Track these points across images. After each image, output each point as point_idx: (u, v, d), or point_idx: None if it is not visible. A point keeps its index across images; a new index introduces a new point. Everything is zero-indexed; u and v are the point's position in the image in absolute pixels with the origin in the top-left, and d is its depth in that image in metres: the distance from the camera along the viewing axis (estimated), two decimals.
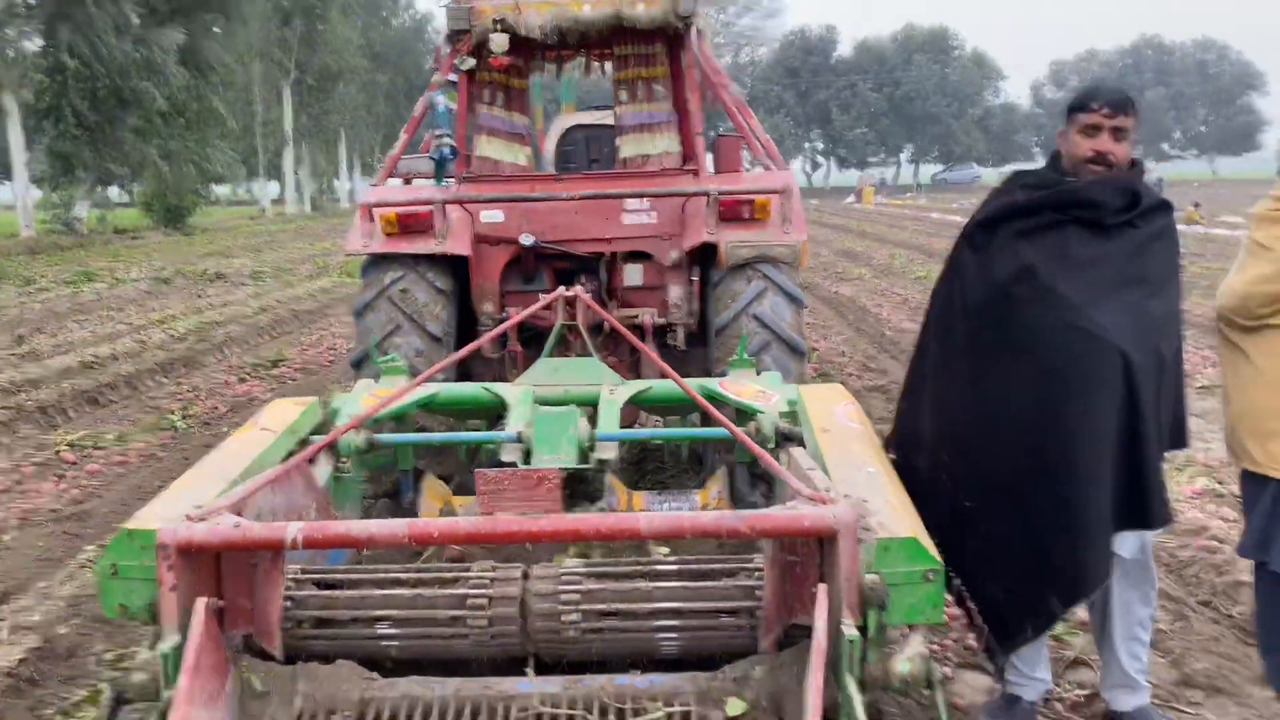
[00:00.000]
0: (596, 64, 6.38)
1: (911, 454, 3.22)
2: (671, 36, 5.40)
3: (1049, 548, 2.81)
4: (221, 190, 50.07)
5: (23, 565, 4.64)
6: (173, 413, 7.57)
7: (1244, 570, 4.15)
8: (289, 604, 2.67)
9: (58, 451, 6.50)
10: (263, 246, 26.89)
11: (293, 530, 2.35)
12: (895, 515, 2.61)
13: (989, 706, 3.22)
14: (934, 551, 2.51)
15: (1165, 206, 2.91)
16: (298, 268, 19.86)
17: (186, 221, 33.99)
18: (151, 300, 14.87)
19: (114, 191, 38.71)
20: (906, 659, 2.46)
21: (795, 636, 2.59)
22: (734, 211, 4.99)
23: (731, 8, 74.13)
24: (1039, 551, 2.83)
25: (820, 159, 79.32)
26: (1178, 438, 2.97)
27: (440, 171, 5.40)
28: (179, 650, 2.30)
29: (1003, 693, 3.23)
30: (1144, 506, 2.78)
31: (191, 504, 2.57)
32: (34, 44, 27.31)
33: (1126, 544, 2.87)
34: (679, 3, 5.08)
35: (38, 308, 13.90)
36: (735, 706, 2.52)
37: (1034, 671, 3.15)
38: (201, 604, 2.34)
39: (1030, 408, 2.80)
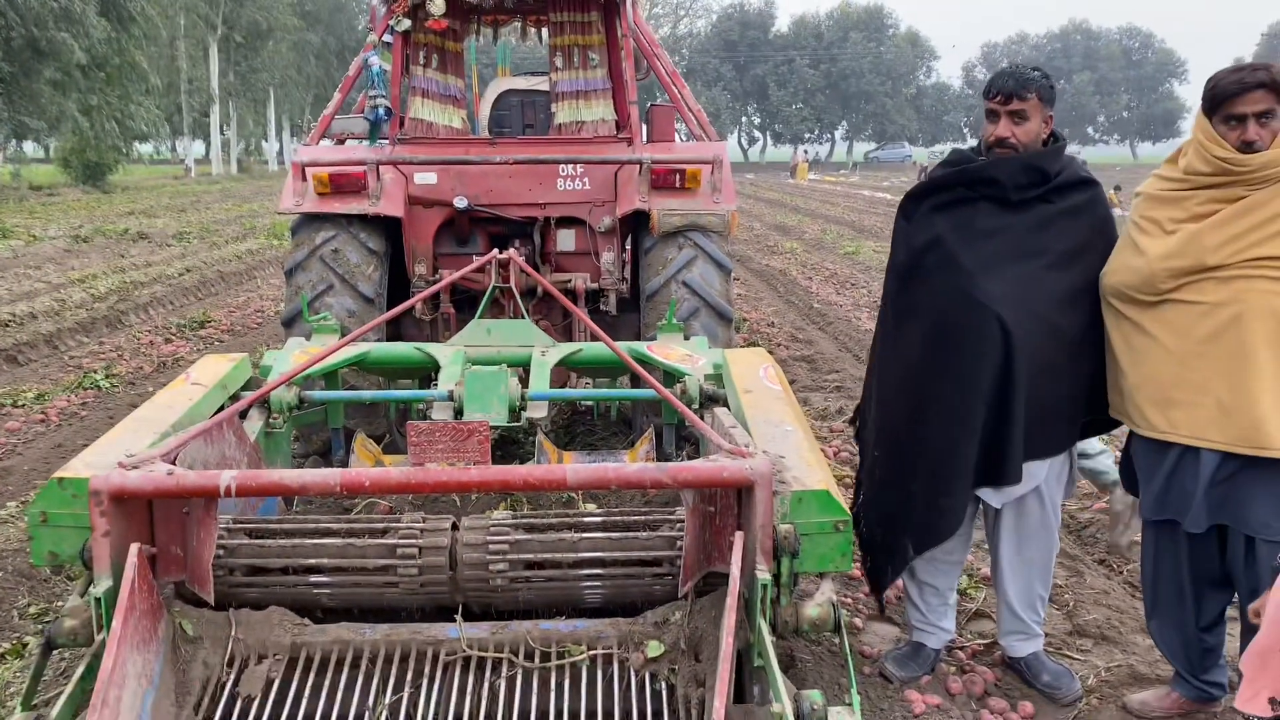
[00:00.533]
0: (533, 29, 6.40)
1: (864, 415, 3.45)
2: (607, 5, 5.45)
3: (912, 494, 3.11)
4: (144, 149, 48.57)
5: None
6: (95, 372, 7.44)
7: (1138, 531, 4.42)
8: (221, 552, 2.72)
9: None
10: (187, 207, 26.21)
11: (226, 478, 2.41)
12: (809, 470, 2.76)
13: (893, 654, 3.40)
14: (844, 503, 2.67)
15: (1085, 183, 3.06)
16: (224, 229, 19.44)
17: (107, 179, 32.90)
18: (71, 259, 14.45)
19: (30, 147, 37.28)
20: (816, 605, 2.62)
21: (713, 584, 2.73)
22: (666, 180, 5.09)
23: None
24: (904, 497, 3.13)
25: (757, 134, 79.69)
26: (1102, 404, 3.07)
27: (374, 132, 5.39)
28: (112, 595, 2.35)
29: (908, 641, 3.42)
30: (1001, 464, 2.99)
31: (123, 454, 2.60)
32: None
33: (994, 498, 3.08)
34: None
35: None
36: (655, 649, 2.65)
37: (939, 621, 3.35)
38: (135, 549, 2.38)
39: (918, 364, 3.08)
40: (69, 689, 2.28)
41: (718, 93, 70.26)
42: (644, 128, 5.82)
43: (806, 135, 74.61)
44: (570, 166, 5.33)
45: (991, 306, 2.92)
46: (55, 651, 2.74)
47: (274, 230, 18.76)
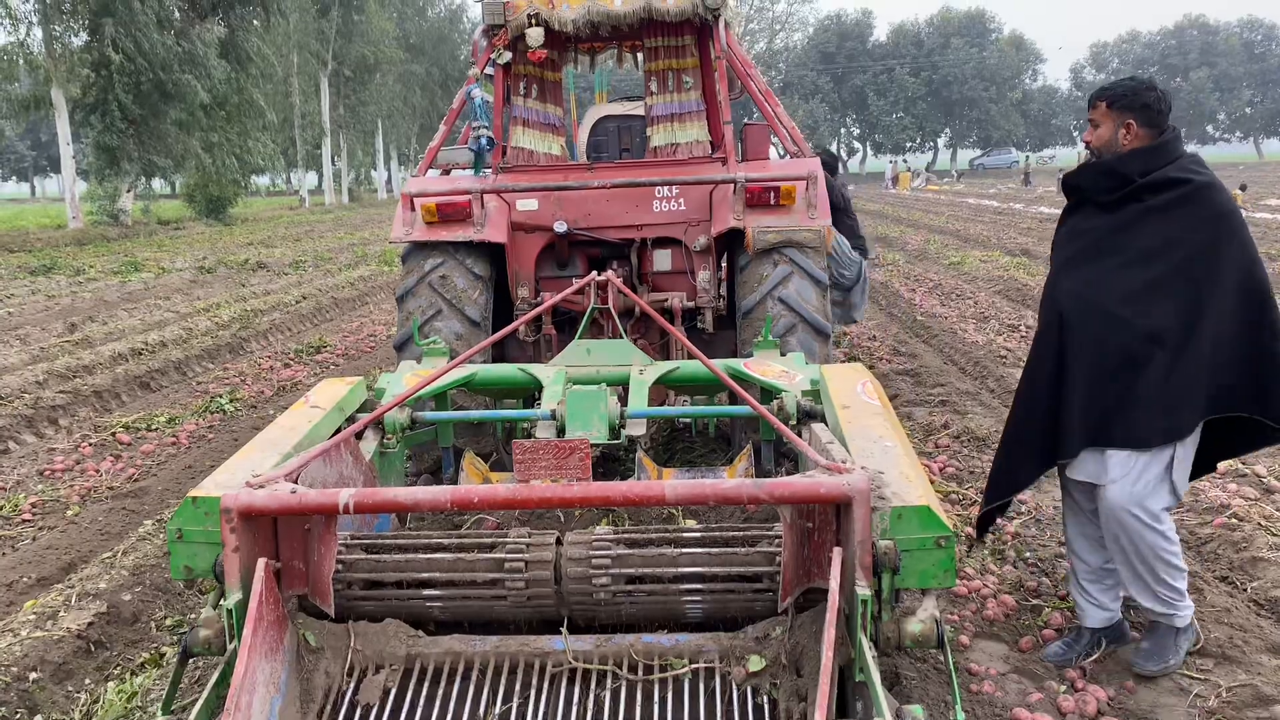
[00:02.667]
0: (628, 56, 6.53)
1: None
2: (700, 28, 5.54)
3: (997, 459, 3.59)
4: (261, 181, 50.76)
5: (86, 539, 4.90)
6: (220, 396, 7.84)
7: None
8: (340, 567, 2.87)
9: (113, 433, 6.79)
10: (302, 236, 27.34)
11: (345, 496, 2.54)
12: (909, 485, 2.75)
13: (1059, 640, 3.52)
14: (945, 519, 2.65)
15: (1177, 182, 3.14)
16: (337, 257, 20.20)
17: (227, 212, 34.62)
18: (196, 289, 15.25)
19: (157, 184, 39.43)
20: (919, 621, 2.61)
21: (814, 599, 2.75)
22: (760, 198, 5.14)
23: None
24: (998, 453, 3.61)
25: (856, 144, 78.79)
26: (1253, 401, 3.18)
27: (478, 162, 5.58)
28: (242, 606, 2.50)
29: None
30: (1059, 442, 3.28)
31: (250, 474, 2.77)
32: (80, 39, 27.88)
33: (1074, 471, 3.33)
34: None
35: (88, 297, 14.31)
36: (756, 663, 2.69)
37: (1098, 596, 3.49)
38: (262, 564, 2.54)
39: (1032, 344, 3.49)
40: (204, 695, 2.44)
41: (816, 105, 69.82)
42: (738, 146, 5.87)
43: (908, 144, 73.44)
44: (666, 188, 5.42)
45: (1059, 303, 3.29)
46: (191, 660, 2.90)
47: (385, 257, 19.42)
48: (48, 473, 5.97)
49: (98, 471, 5.98)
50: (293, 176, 56.69)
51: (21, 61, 26.99)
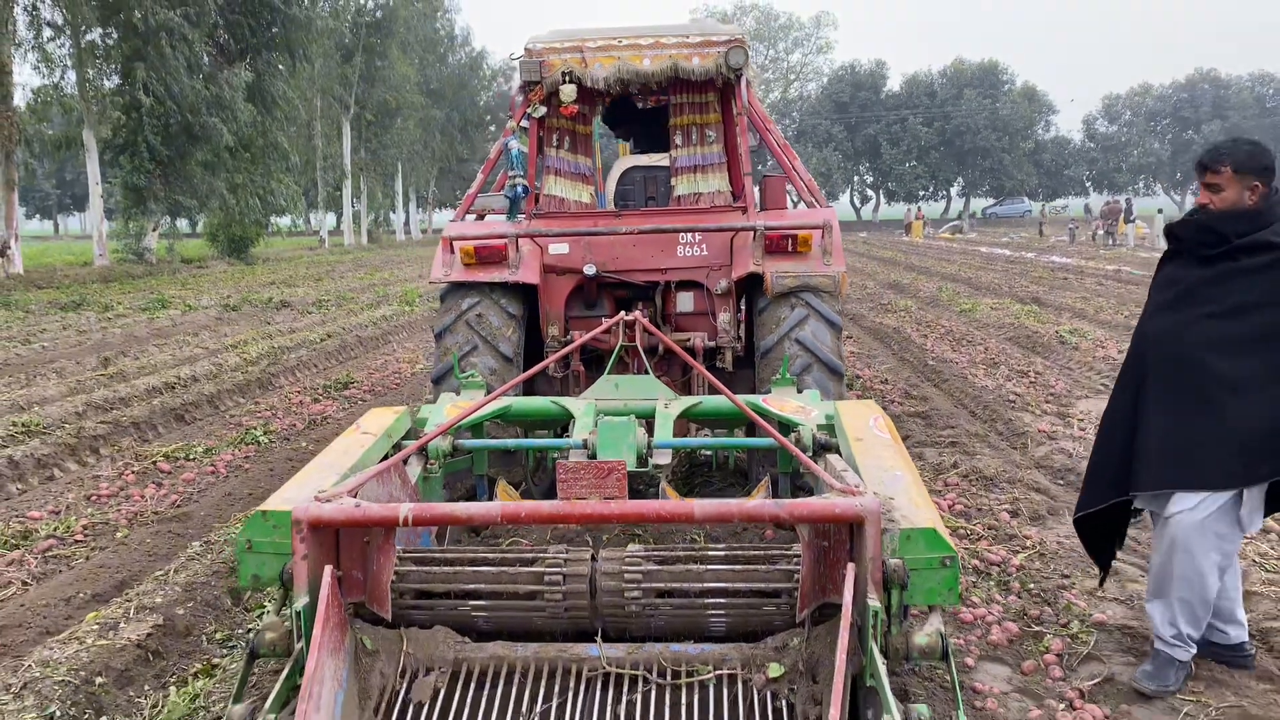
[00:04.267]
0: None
1: None
2: (722, 86, 5.89)
3: (1086, 475, 3.81)
4: (282, 222, 51.57)
5: (136, 558, 5.17)
6: (254, 429, 8.13)
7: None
8: (394, 577, 3.13)
9: (154, 462, 7.08)
10: (323, 276, 27.82)
11: (405, 510, 2.82)
12: (917, 510, 3.01)
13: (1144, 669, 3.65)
14: (950, 542, 2.90)
15: (1268, 247, 3.36)
16: (358, 296, 20.60)
17: (249, 252, 35.24)
18: (223, 326, 15.63)
19: (181, 223, 40.16)
20: (925, 634, 2.86)
21: (828, 614, 2.99)
22: (779, 245, 5.44)
23: (781, 44, 74.93)
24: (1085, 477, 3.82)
25: (870, 192, 79.47)
26: None
27: (514, 208, 5.92)
28: (310, 610, 2.76)
29: (1164, 655, 3.62)
30: (1131, 473, 3.52)
31: (312, 491, 3.04)
32: (112, 82, 28.67)
33: (1169, 504, 3.49)
34: (729, 56, 5.57)
35: (118, 332, 14.69)
36: (775, 670, 2.93)
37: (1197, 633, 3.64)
38: (329, 570, 2.81)
39: (1118, 380, 3.75)
40: (277, 687, 2.70)
41: (829, 153, 70.57)
42: (758, 196, 6.19)
43: (920, 193, 74.03)
44: (689, 234, 5.74)
45: (1144, 344, 3.57)
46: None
47: (405, 298, 19.81)
48: (94, 498, 6.25)
49: (142, 497, 6.25)
50: (313, 217, 57.51)
51: (56, 103, 27.76)
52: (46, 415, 8.16)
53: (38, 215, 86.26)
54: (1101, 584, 4.14)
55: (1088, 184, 77.06)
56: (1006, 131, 70.70)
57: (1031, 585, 4.54)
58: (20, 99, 26.40)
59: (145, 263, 29.89)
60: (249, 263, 34.14)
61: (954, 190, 78.02)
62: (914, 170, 71.84)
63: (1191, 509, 3.41)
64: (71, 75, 27.95)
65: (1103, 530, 3.83)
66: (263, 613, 4.44)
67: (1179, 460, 3.39)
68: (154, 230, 31.05)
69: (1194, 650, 3.63)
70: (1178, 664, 3.59)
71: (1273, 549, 4.92)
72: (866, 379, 10.16)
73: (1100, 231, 37.28)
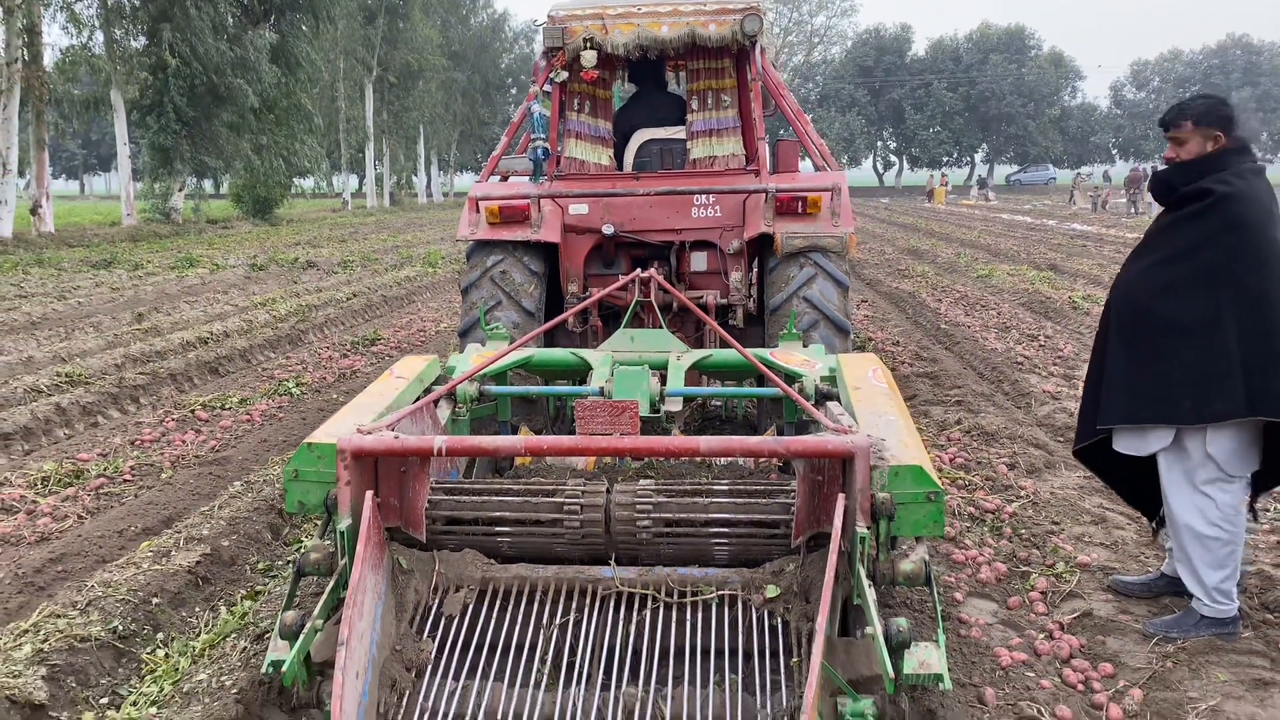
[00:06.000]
0: (671, 75, 7.09)
1: None
2: (738, 53, 6.10)
3: (1079, 419, 4.06)
4: (305, 184, 51.92)
5: (181, 496, 5.51)
6: (286, 381, 8.47)
7: None
8: (427, 505, 3.43)
9: (192, 410, 7.43)
10: (347, 238, 28.15)
11: (439, 441, 3.11)
12: (906, 449, 3.27)
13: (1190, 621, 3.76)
14: (936, 479, 3.17)
15: (1202, 193, 3.60)
16: (382, 258, 20.92)
17: (274, 213, 35.62)
18: (251, 285, 15.99)
19: (206, 184, 40.57)
20: (910, 561, 3.13)
21: (822, 543, 3.27)
22: (789, 206, 5.68)
23: (805, 6, 74.20)
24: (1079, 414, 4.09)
25: (893, 158, 78.97)
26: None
27: (536, 170, 6.18)
28: (353, 531, 3.07)
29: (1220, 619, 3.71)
30: (1098, 414, 3.77)
31: (352, 427, 3.34)
32: (139, 43, 28.95)
33: (1148, 443, 3.72)
34: (745, 24, 5.78)
35: (150, 289, 15.08)
36: (773, 591, 3.22)
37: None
38: (369, 495, 3.11)
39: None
40: (324, 598, 3.00)
41: (853, 118, 70.16)
42: (771, 160, 6.42)
43: (944, 159, 73.50)
44: (704, 196, 5.98)
45: (1111, 293, 3.87)
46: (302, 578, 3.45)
47: (428, 259, 20.12)
48: (138, 442, 6.60)
49: (183, 442, 6.60)
50: (335, 180, 57.83)
51: (84, 64, 28.09)
52: (88, 366, 8.52)
53: (64, 175, 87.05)
54: (1155, 534, 4.23)
55: (1113, 151, 76.27)
56: (1032, 98, 70.01)
57: (1023, 531, 4.81)
58: (49, 59, 26.71)
59: (172, 223, 30.33)
60: (273, 224, 34.55)
61: (978, 157, 77.39)
62: (938, 136, 71.31)
63: (1167, 446, 3.63)
64: (99, 35, 28.23)
65: (1133, 480, 3.99)
66: (300, 547, 4.78)
67: (1137, 398, 3.63)
68: (180, 190, 31.44)
69: (1229, 607, 3.67)
70: (1200, 618, 3.69)
71: (1258, 502, 5.16)
72: (879, 341, 10.38)
73: (1107, 201, 37.10)
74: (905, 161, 77.43)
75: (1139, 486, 4.00)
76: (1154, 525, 4.11)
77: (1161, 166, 3.92)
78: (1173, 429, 3.62)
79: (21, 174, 26.43)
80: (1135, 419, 3.66)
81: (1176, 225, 3.66)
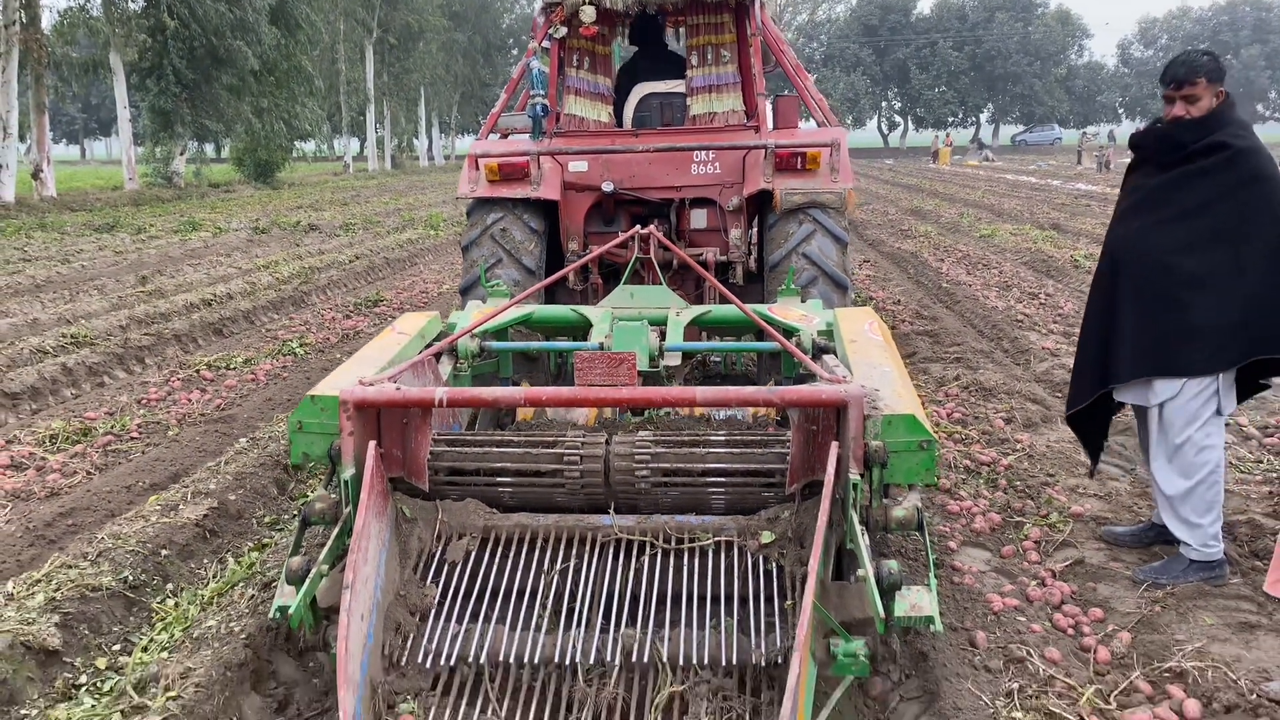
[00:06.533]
0: (671, 31, 7.06)
1: None
2: (737, 8, 6.08)
3: (1074, 378, 4.11)
4: (306, 147, 51.71)
5: (188, 453, 5.59)
6: (290, 341, 8.53)
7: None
8: (430, 457, 3.49)
9: (198, 370, 7.49)
10: (348, 201, 28.09)
11: (440, 393, 3.17)
12: (899, 399, 3.32)
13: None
14: (928, 426, 3.22)
15: (1218, 147, 3.63)
16: (384, 221, 20.90)
17: (275, 176, 35.51)
18: (254, 247, 16.00)
19: (207, 148, 40.41)
20: (902, 508, 3.19)
21: (816, 491, 3.33)
22: (789, 163, 5.69)
23: None
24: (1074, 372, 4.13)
25: (898, 119, 78.34)
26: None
27: (536, 127, 6.18)
28: (357, 479, 3.13)
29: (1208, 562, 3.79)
30: (1110, 369, 3.80)
31: (354, 380, 3.39)
32: (137, 4, 28.72)
33: (1153, 394, 3.76)
34: None
35: (153, 253, 15.09)
36: (767, 537, 3.28)
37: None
38: (372, 445, 3.17)
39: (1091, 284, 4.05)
40: (329, 544, 3.08)
41: (857, 78, 69.54)
42: (770, 116, 6.42)
43: (949, 119, 72.91)
44: (703, 153, 5.99)
45: (1113, 250, 3.83)
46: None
47: (430, 221, 20.10)
48: (145, 401, 6.67)
49: (189, 401, 6.67)
50: (336, 143, 57.54)
51: (82, 26, 27.89)
52: (93, 328, 8.58)
53: (64, 140, 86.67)
54: (1092, 474, 4.50)
55: (1120, 111, 75.56)
56: (1038, 56, 69.29)
57: (1018, 483, 4.87)
58: (46, 22, 26.52)
59: (174, 187, 30.28)
60: (275, 187, 34.45)
61: (983, 117, 76.75)
62: (943, 96, 70.72)
63: (1176, 395, 3.67)
64: None
65: (1092, 425, 4.13)
66: (305, 502, 4.85)
67: (1151, 352, 3.67)
68: (181, 154, 31.34)
69: (1217, 549, 3.75)
70: (1189, 563, 3.77)
71: (1250, 453, 5.22)
72: (880, 300, 10.41)
73: (1110, 162, 36.83)
74: (910, 122, 76.81)
75: (1096, 432, 4.18)
76: (1092, 468, 4.37)
77: (1152, 120, 3.95)
78: (1184, 379, 3.66)
79: (22, 138, 26.31)
80: (1159, 371, 3.67)
81: (1186, 180, 3.66)
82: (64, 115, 74.23)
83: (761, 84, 6.14)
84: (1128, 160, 4.11)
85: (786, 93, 6.64)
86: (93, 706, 2.99)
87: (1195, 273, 3.61)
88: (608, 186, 5.97)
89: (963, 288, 10.93)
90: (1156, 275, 3.68)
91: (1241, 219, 3.58)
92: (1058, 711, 2.88)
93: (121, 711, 2.86)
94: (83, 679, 3.26)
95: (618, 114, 6.58)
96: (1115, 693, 3.05)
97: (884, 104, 76.31)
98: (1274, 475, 4.86)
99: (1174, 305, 3.65)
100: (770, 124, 6.27)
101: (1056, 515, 4.45)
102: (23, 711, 3.04)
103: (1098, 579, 3.89)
